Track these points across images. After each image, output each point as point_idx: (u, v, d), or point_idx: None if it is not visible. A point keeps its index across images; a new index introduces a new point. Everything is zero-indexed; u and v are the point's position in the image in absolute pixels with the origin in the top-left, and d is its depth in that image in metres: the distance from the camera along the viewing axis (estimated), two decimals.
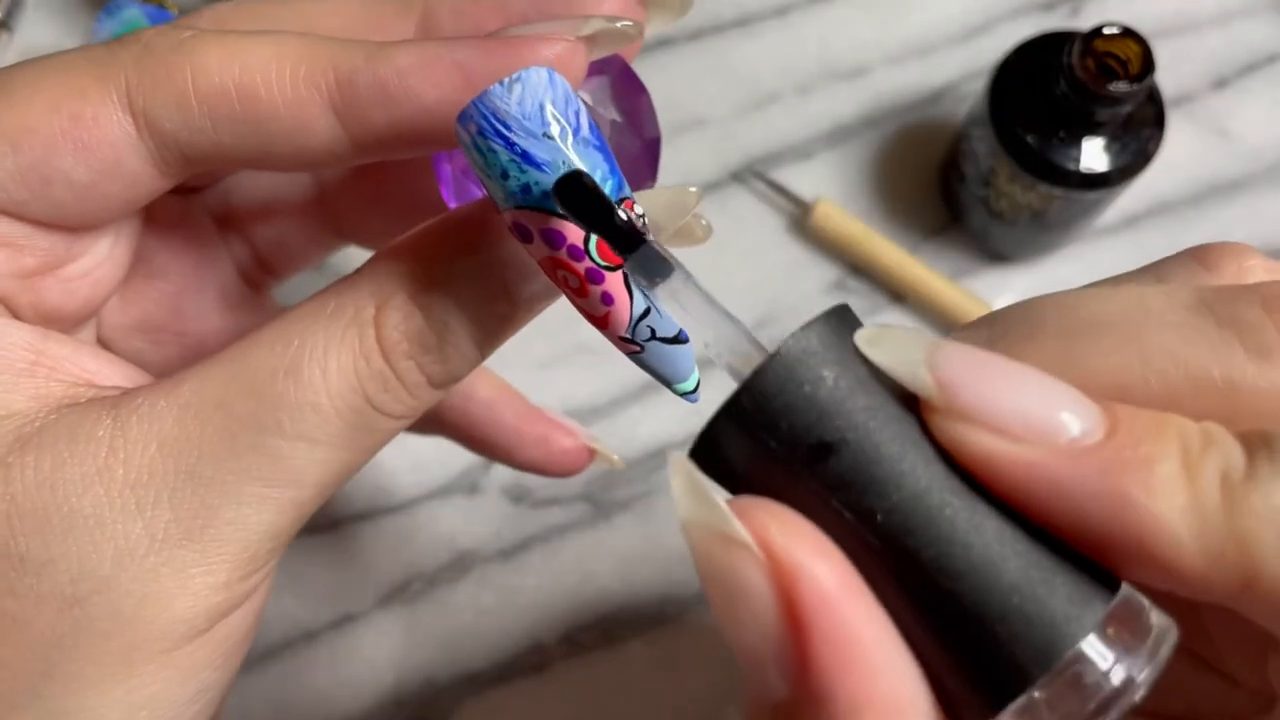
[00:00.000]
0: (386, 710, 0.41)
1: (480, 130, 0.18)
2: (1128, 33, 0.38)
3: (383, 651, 0.42)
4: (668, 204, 0.20)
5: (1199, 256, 0.20)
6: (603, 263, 0.19)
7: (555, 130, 0.18)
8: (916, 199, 0.48)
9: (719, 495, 0.16)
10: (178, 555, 0.20)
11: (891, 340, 0.17)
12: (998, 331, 0.18)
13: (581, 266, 0.19)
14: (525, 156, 0.18)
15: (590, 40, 0.20)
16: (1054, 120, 0.41)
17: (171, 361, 0.22)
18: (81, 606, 0.19)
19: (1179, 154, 0.46)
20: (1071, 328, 0.18)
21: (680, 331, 0.20)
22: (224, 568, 0.20)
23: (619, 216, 0.18)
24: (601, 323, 0.19)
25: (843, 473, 0.16)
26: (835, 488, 0.16)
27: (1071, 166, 0.41)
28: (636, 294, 0.19)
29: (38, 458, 0.19)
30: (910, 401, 0.17)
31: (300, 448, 0.20)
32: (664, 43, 0.50)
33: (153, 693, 0.20)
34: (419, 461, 0.44)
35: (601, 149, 0.18)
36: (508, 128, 0.18)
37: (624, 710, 0.41)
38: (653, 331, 0.20)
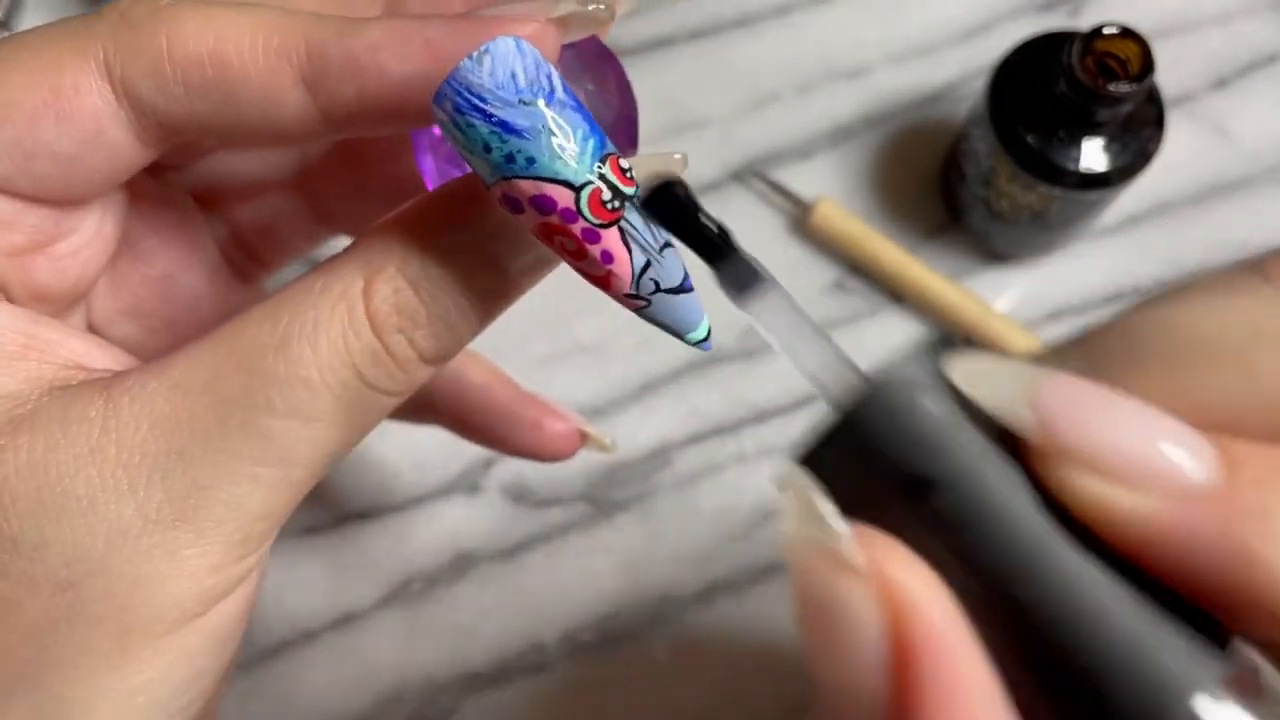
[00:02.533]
0: (387, 710, 0.41)
1: (456, 106, 0.18)
2: (1128, 33, 0.38)
3: (383, 651, 0.42)
4: (653, 171, 0.20)
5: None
6: (597, 221, 0.18)
7: (530, 96, 0.18)
8: (917, 199, 0.48)
9: (835, 516, 0.16)
10: (170, 536, 0.20)
11: (989, 375, 0.16)
12: (1097, 357, 0.17)
13: (576, 228, 0.18)
14: (504, 126, 0.18)
15: (562, 23, 0.20)
16: (1054, 120, 0.41)
17: (162, 349, 0.22)
18: (75, 590, 0.19)
19: (1179, 154, 0.46)
20: (1178, 350, 0.16)
21: (685, 279, 0.20)
22: (217, 549, 0.20)
23: (706, 224, 0.17)
24: (604, 283, 0.19)
25: (944, 511, 0.16)
26: (935, 527, 0.16)
27: (1072, 166, 0.41)
28: (635, 248, 0.19)
29: (30, 439, 0.19)
30: (1013, 437, 0.16)
31: (291, 425, 0.20)
32: (664, 42, 0.50)
33: (148, 678, 0.20)
34: (419, 461, 0.44)
35: (579, 110, 0.18)
36: (483, 100, 0.18)
37: (624, 710, 0.41)
38: (657, 284, 0.19)
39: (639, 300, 0.20)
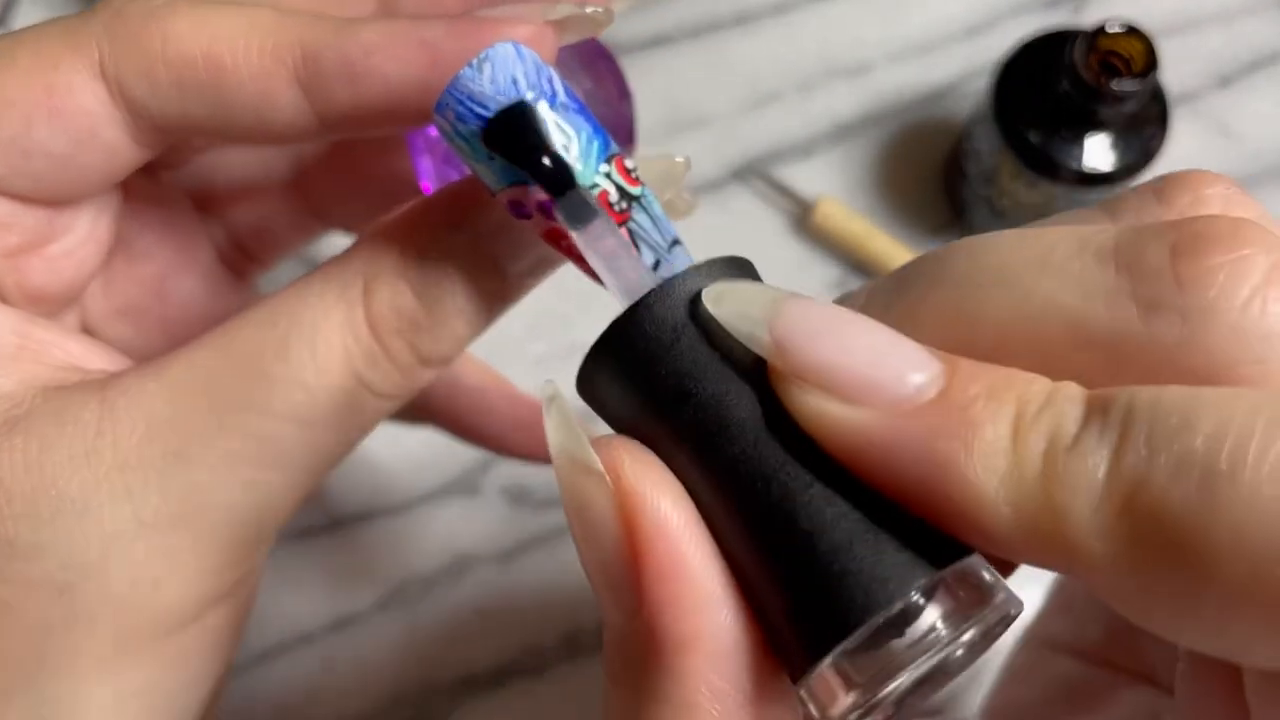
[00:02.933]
0: (385, 712, 0.41)
1: (459, 115, 0.18)
2: (1131, 30, 0.38)
3: (381, 653, 0.42)
4: (657, 175, 0.20)
5: (1157, 187, 0.18)
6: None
7: (532, 100, 0.18)
8: (919, 197, 0.48)
9: (585, 429, 0.17)
10: (167, 540, 0.19)
11: (735, 297, 0.17)
12: (907, 279, 0.18)
13: None
14: None
15: (559, 25, 0.20)
16: (1057, 118, 0.41)
17: (156, 349, 0.22)
18: (72, 593, 0.19)
19: (1182, 152, 0.46)
20: (974, 276, 0.17)
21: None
22: (214, 553, 0.20)
23: (547, 158, 0.18)
24: None
25: (691, 424, 0.17)
26: (685, 437, 0.17)
27: (1075, 165, 0.41)
28: (644, 248, 0.19)
29: (25, 441, 0.19)
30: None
31: (289, 429, 0.20)
32: (664, 41, 0.49)
33: (144, 680, 0.20)
34: (418, 463, 0.43)
35: (582, 111, 0.18)
36: (485, 107, 0.18)
37: None
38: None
39: None
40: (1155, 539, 0.14)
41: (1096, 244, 0.16)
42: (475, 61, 0.18)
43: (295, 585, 0.42)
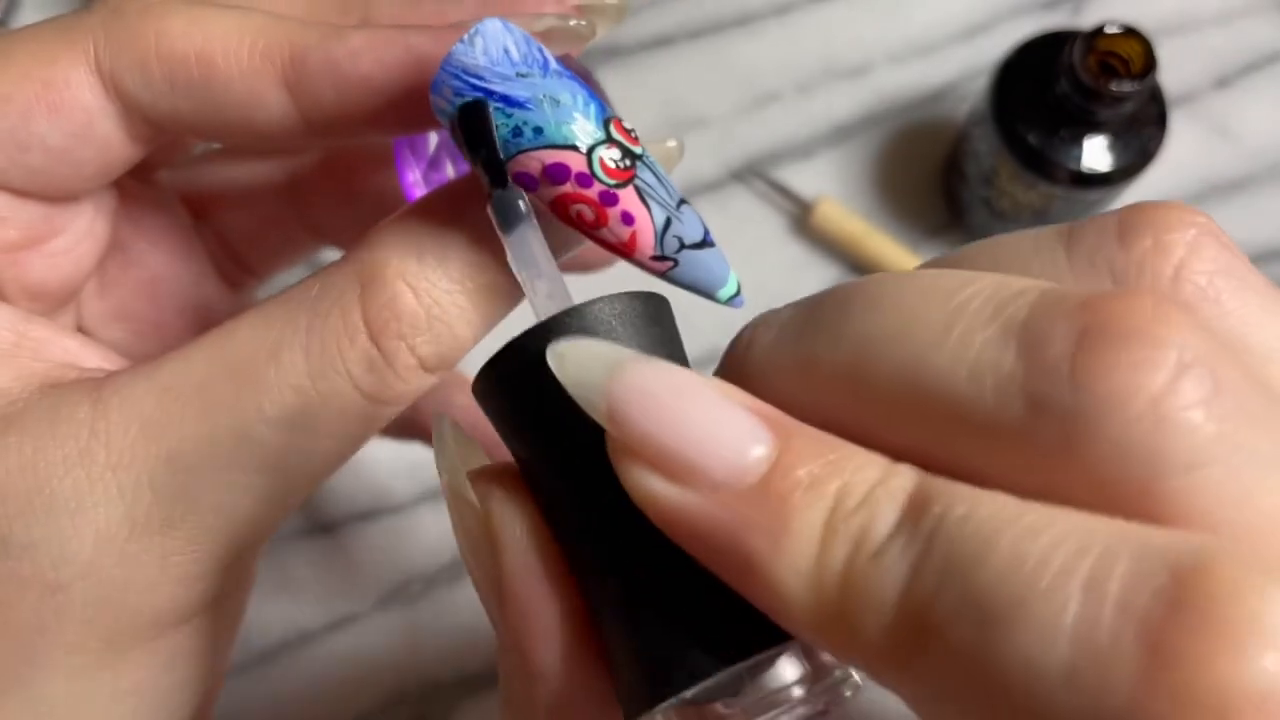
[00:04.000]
0: (385, 712, 0.41)
1: (456, 90, 0.18)
2: (1130, 32, 0.38)
3: (381, 653, 0.42)
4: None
5: (1121, 221, 0.16)
6: (612, 182, 0.18)
7: (526, 68, 0.18)
8: (918, 198, 0.48)
9: (467, 457, 0.19)
10: (158, 542, 0.19)
11: (577, 358, 0.16)
12: (816, 323, 0.17)
13: (593, 192, 0.18)
14: (507, 100, 0.18)
15: (543, 38, 0.20)
16: (1056, 119, 0.41)
17: (150, 353, 0.22)
18: (65, 592, 0.19)
19: (1181, 153, 0.46)
20: (873, 334, 0.16)
21: (706, 234, 0.19)
22: (206, 554, 0.20)
23: (485, 151, 0.18)
24: (628, 247, 0.19)
25: (543, 465, 0.18)
26: (541, 474, 0.18)
27: (1073, 165, 0.41)
28: (654, 205, 0.19)
29: (19, 439, 0.19)
30: None
31: (281, 433, 0.19)
32: (664, 42, 0.50)
33: (137, 680, 0.20)
34: (418, 462, 0.43)
35: (574, 78, 0.19)
36: (482, 78, 0.18)
37: None
38: (681, 241, 0.19)
39: (666, 261, 0.19)
40: (933, 672, 0.13)
41: (1008, 314, 0.14)
42: (467, 37, 0.18)
43: (296, 584, 0.42)
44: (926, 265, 0.18)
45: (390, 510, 0.43)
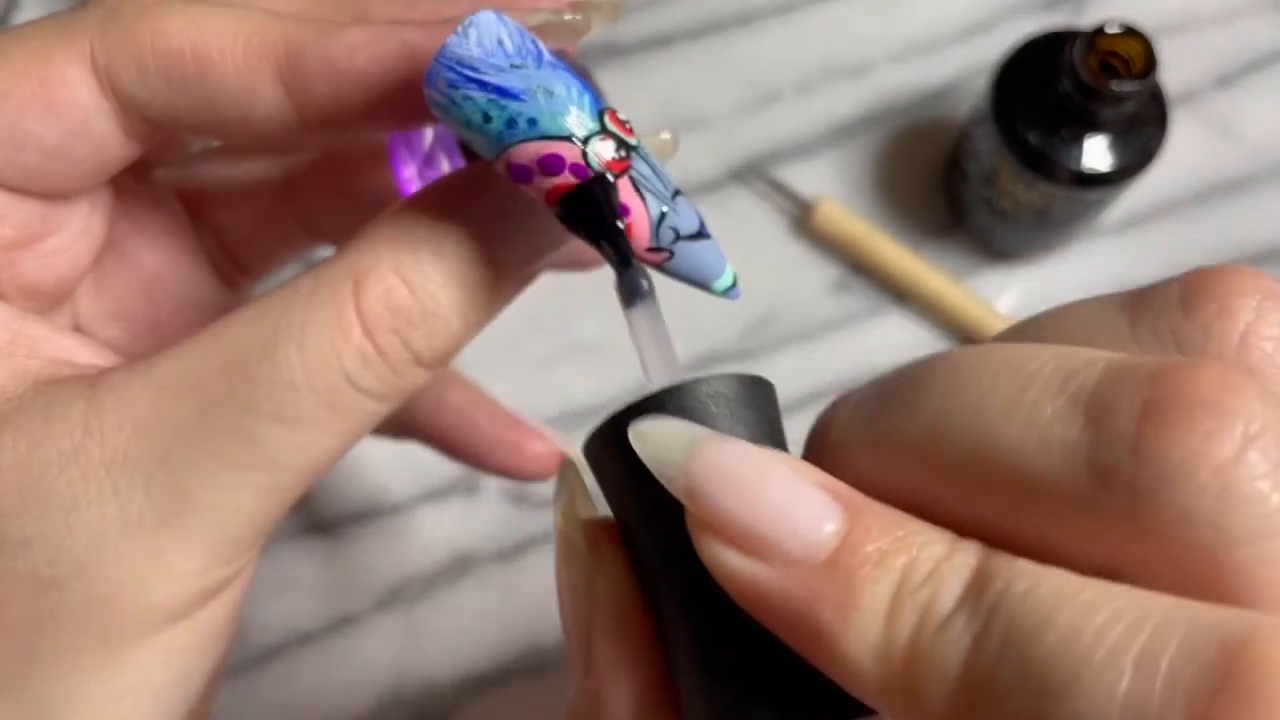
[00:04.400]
0: (385, 712, 0.41)
1: (450, 82, 0.18)
2: (1131, 31, 0.38)
3: (381, 653, 0.42)
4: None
5: (1185, 288, 0.17)
6: (610, 174, 0.18)
7: (520, 60, 0.18)
8: (919, 198, 0.48)
9: (585, 509, 0.20)
10: (154, 540, 0.19)
11: (657, 439, 0.17)
12: (890, 401, 0.17)
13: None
14: (501, 91, 0.18)
15: (538, 32, 0.20)
16: (1057, 119, 0.41)
17: (146, 352, 0.22)
18: (59, 590, 0.19)
19: (1182, 153, 0.46)
20: (946, 411, 0.16)
21: (702, 225, 0.20)
22: (201, 553, 0.20)
23: (621, 230, 0.18)
24: None
25: (628, 537, 0.19)
26: (635, 536, 0.19)
27: (1074, 165, 0.41)
28: (649, 196, 0.19)
29: (14, 437, 0.19)
30: None
31: (276, 430, 0.19)
32: (664, 41, 0.49)
33: (133, 679, 0.20)
34: (417, 463, 0.43)
35: (568, 70, 0.19)
36: (476, 70, 0.18)
37: None
38: (676, 232, 0.19)
39: (662, 253, 0.19)
40: None
41: (1077, 385, 0.15)
42: (461, 29, 0.18)
43: (295, 584, 0.42)
44: (999, 338, 0.19)
45: (390, 510, 0.43)
